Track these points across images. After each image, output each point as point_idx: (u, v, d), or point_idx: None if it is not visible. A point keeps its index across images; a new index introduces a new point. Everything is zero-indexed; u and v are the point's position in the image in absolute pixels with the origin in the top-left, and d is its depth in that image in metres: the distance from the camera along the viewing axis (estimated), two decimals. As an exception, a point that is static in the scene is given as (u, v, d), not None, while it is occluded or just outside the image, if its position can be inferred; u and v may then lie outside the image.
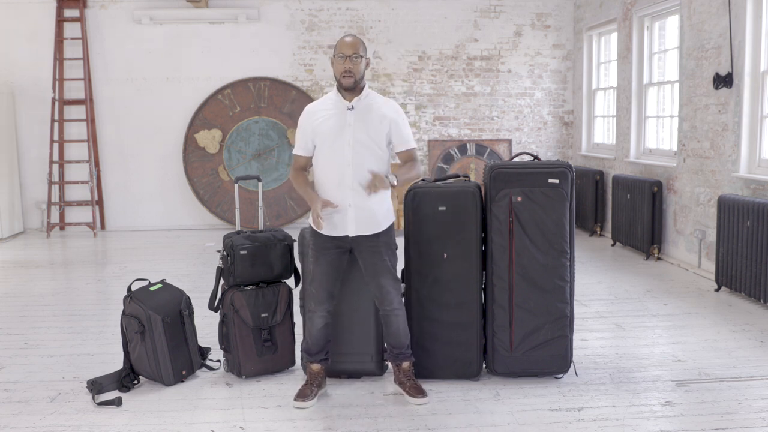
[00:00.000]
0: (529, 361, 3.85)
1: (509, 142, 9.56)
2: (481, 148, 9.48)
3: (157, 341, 3.81)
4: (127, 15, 9.18)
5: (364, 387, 3.85)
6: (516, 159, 4.45)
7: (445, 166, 9.45)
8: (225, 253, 3.95)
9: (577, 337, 4.28)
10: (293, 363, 4.10)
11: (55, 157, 9.14)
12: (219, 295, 4.03)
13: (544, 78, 9.60)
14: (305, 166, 3.73)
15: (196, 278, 6.38)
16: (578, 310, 4.93)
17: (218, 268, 4.00)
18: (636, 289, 5.90)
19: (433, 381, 3.86)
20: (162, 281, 4.11)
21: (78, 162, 9.17)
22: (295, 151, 3.71)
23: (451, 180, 3.96)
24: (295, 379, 3.95)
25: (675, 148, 7.00)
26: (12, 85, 9.14)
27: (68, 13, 9.14)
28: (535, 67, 9.57)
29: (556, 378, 3.90)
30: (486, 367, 3.96)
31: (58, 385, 3.94)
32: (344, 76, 3.52)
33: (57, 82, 9.06)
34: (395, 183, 3.50)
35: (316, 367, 3.72)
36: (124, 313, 3.91)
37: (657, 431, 3.28)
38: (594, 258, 7.24)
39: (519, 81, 9.57)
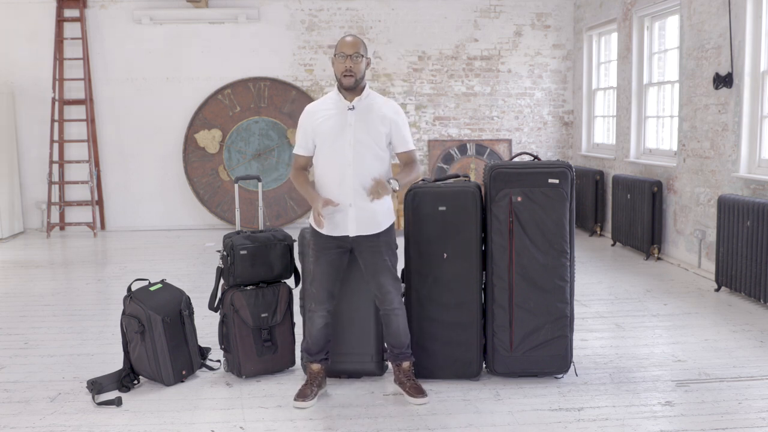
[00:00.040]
0: (529, 361, 3.85)
1: (509, 142, 9.56)
2: (481, 148, 9.48)
3: (157, 341, 3.81)
4: (127, 15, 9.18)
5: (364, 387, 3.85)
6: (516, 159, 4.45)
7: (445, 166, 9.44)
8: (225, 253, 3.95)
9: (577, 337, 4.28)
10: (293, 363, 4.10)
11: (55, 157, 9.14)
12: (219, 295, 4.03)
13: (544, 78, 9.60)
14: (306, 165, 3.73)
15: (196, 278, 6.38)
16: (578, 310, 4.93)
17: (218, 268, 4.00)
18: (636, 289, 5.90)
19: (433, 381, 3.86)
20: (162, 281, 4.11)
21: (78, 162, 9.18)
22: (295, 151, 3.71)
23: (451, 180, 3.96)
24: (295, 379, 3.95)
25: (675, 148, 7.00)
26: (12, 85, 9.14)
27: (68, 13, 9.14)
28: (535, 67, 9.57)
29: (556, 378, 3.90)
30: (486, 367, 3.96)
31: (58, 385, 3.94)
32: (345, 76, 3.52)
33: (57, 82, 9.06)
34: (397, 188, 3.50)
35: (316, 367, 3.72)
36: (124, 313, 3.91)
37: (657, 431, 3.29)
38: (594, 258, 7.24)
39: (519, 81, 9.57)
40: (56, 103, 9.07)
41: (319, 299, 3.65)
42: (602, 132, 9.13)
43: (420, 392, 3.63)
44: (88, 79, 9.11)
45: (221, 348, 4.03)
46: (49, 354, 4.46)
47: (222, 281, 4.03)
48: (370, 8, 9.33)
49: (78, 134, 9.25)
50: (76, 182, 9.16)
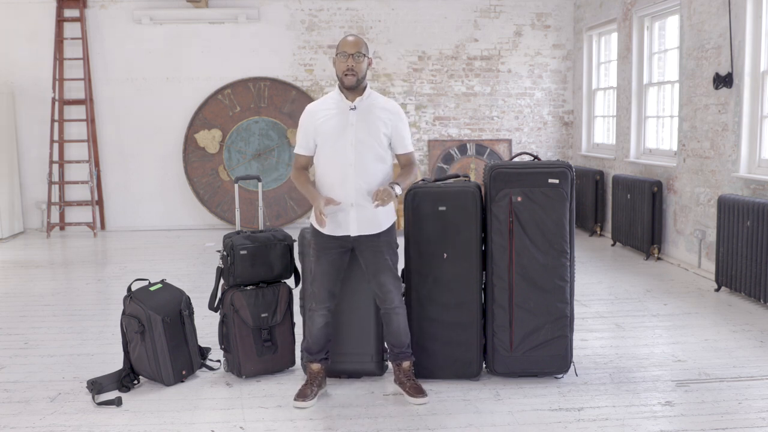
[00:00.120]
0: (529, 361, 3.85)
1: (509, 142, 9.56)
2: (481, 148, 9.48)
3: (157, 341, 3.81)
4: (127, 15, 9.18)
5: (364, 387, 3.85)
6: (516, 159, 4.45)
7: (445, 166, 9.44)
8: (225, 253, 3.95)
9: (577, 337, 4.28)
10: (293, 363, 4.10)
11: (55, 157, 9.14)
12: (219, 295, 4.03)
13: (544, 78, 9.60)
14: (306, 165, 3.74)
15: (196, 278, 6.38)
16: (578, 310, 4.93)
17: (218, 268, 4.00)
18: (636, 289, 5.90)
19: (433, 381, 3.86)
20: (162, 281, 4.11)
21: (78, 162, 9.18)
22: (296, 151, 3.71)
23: (451, 180, 3.96)
24: (295, 379, 3.95)
25: (675, 148, 7.00)
26: (12, 85, 9.14)
27: (68, 13, 9.14)
28: (535, 67, 9.57)
29: (556, 378, 3.90)
30: (486, 367, 3.96)
31: (58, 385, 3.94)
32: (346, 75, 3.52)
33: (57, 82, 9.06)
34: (400, 193, 3.52)
35: (316, 366, 3.72)
36: (124, 313, 3.91)
37: (657, 431, 3.29)
38: (594, 258, 7.24)
39: (519, 81, 9.57)
40: (56, 103, 9.07)
41: (320, 298, 3.65)
42: (602, 132, 9.13)
43: (420, 392, 3.63)
44: (88, 79, 9.11)
45: (221, 348, 4.03)
46: (49, 354, 4.46)
47: (222, 281, 4.03)
48: (370, 8, 9.33)
49: (78, 134, 9.25)
50: (76, 182, 9.16)
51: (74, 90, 9.21)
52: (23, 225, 9.29)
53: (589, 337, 4.64)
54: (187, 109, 9.28)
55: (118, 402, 3.65)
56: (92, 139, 9.17)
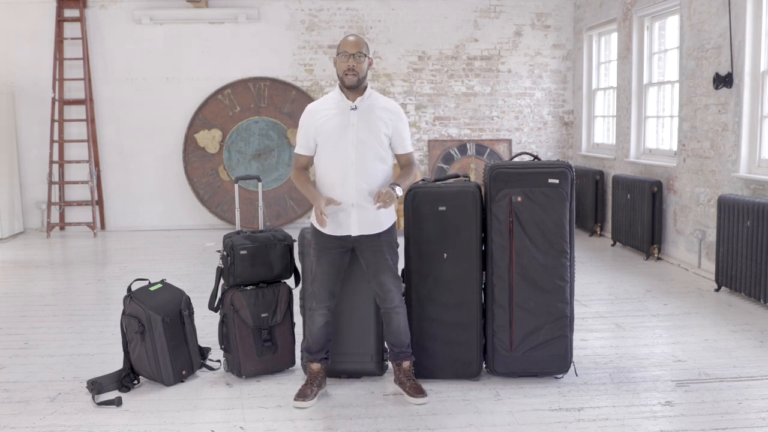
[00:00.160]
0: (529, 361, 3.85)
1: (509, 142, 9.56)
2: (481, 148, 9.48)
3: (157, 341, 3.81)
4: (127, 15, 9.18)
5: (364, 387, 3.85)
6: (516, 159, 4.45)
7: (445, 166, 9.44)
8: (225, 253, 3.95)
9: (577, 337, 4.28)
10: (293, 363, 4.10)
11: (55, 157, 9.14)
12: (219, 295, 4.03)
13: (544, 78, 9.60)
14: (307, 165, 3.74)
15: (196, 278, 6.38)
16: (578, 310, 4.93)
17: (218, 268, 4.00)
18: (636, 289, 5.90)
19: (433, 381, 3.86)
20: (162, 281, 4.11)
21: (78, 162, 9.18)
22: (296, 150, 3.71)
23: (451, 180, 3.96)
24: (295, 379, 3.95)
25: (675, 148, 7.00)
26: (12, 85, 9.14)
27: (68, 13, 9.14)
28: (535, 67, 9.57)
29: (556, 378, 3.90)
30: (486, 367, 3.96)
31: (58, 385, 3.94)
32: (347, 74, 3.52)
33: (57, 82, 9.06)
34: (400, 194, 3.53)
35: (316, 366, 3.72)
36: (124, 313, 3.91)
37: (657, 431, 3.29)
38: (594, 258, 7.24)
39: (519, 81, 9.57)
40: (56, 103, 9.07)
41: (320, 297, 3.65)
42: (602, 132, 9.13)
43: (420, 392, 3.64)
44: (88, 79, 9.11)
45: (221, 348, 4.03)
46: (49, 354, 4.46)
47: (222, 281, 4.03)
48: (370, 8, 9.33)
49: (78, 134, 9.25)
50: (76, 182, 9.16)
51: (74, 90, 9.21)
52: (23, 225, 9.29)
53: (589, 337, 4.64)
54: (187, 109, 9.28)
55: (118, 402, 3.65)
56: (92, 139, 9.17)
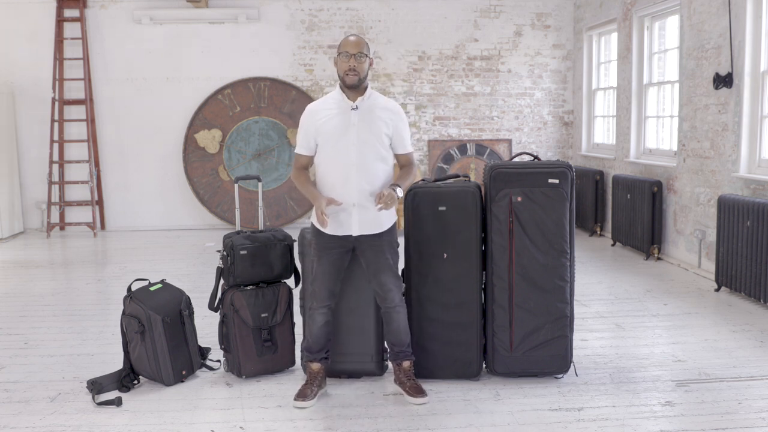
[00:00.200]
0: (529, 361, 3.85)
1: (509, 142, 9.56)
2: (481, 148, 9.48)
3: (157, 341, 3.81)
4: (127, 15, 9.18)
5: (364, 387, 3.85)
6: (516, 159, 4.45)
7: (445, 166, 9.45)
8: (225, 253, 3.95)
9: (577, 337, 4.28)
10: (293, 363, 4.10)
11: (55, 157, 9.14)
12: (219, 295, 4.03)
13: (544, 78, 9.60)
14: (307, 165, 3.74)
15: (196, 278, 6.38)
16: (578, 310, 4.93)
17: (218, 268, 4.00)
18: (636, 289, 5.90)
19: (433, 381, 3.86)
20: (162, 281, 4.11)
21: (78, 162, 9.18)
22: (297, 151, 3.71)
23: (451, 180, 3.96)
24: (295, 379, 3.95)
25: (675, 148, 7.00)
26: (12, 85, 9.14)
27: (68, 13, 9.14)
28: (535, 67, 9.57)
29: (556, 378, 3.90)
30: (486, 367, 3.96)
31: (58, 385, 3.94)
32: (348, 74, 3.52)
33: (57, 82, 9.06)
34: (401, 195, 3.54)
35: (316, 366, 3.72)
36: (124, 313, 3.91)
37: (657, 431, 3.29)
38: (594, 258, 7.24)
39: (519, 81, 9.57)
40: (56, 103, 9.07)
41: (320, 297, 3.65)
42: (602, 132, 9.13)
43: (420, 392, 3.64)
44: (88, 79, 9.11)
45: (221, 348, 4.03)
46: (49, 354, 4.46)
47: (222, 281, 4.03)
48: (370, 8, 9.33)
49: (78, 134, 9.25)
50: (76, 182, 9.16)
51: (74, 90, 9.21)
52: (23, 225, 9.29)
53: (589, 337, 4.64)
54: (187, 109, 9.28)
55: (118, 402, 3.65)
56: (92, 139, 9.17)
